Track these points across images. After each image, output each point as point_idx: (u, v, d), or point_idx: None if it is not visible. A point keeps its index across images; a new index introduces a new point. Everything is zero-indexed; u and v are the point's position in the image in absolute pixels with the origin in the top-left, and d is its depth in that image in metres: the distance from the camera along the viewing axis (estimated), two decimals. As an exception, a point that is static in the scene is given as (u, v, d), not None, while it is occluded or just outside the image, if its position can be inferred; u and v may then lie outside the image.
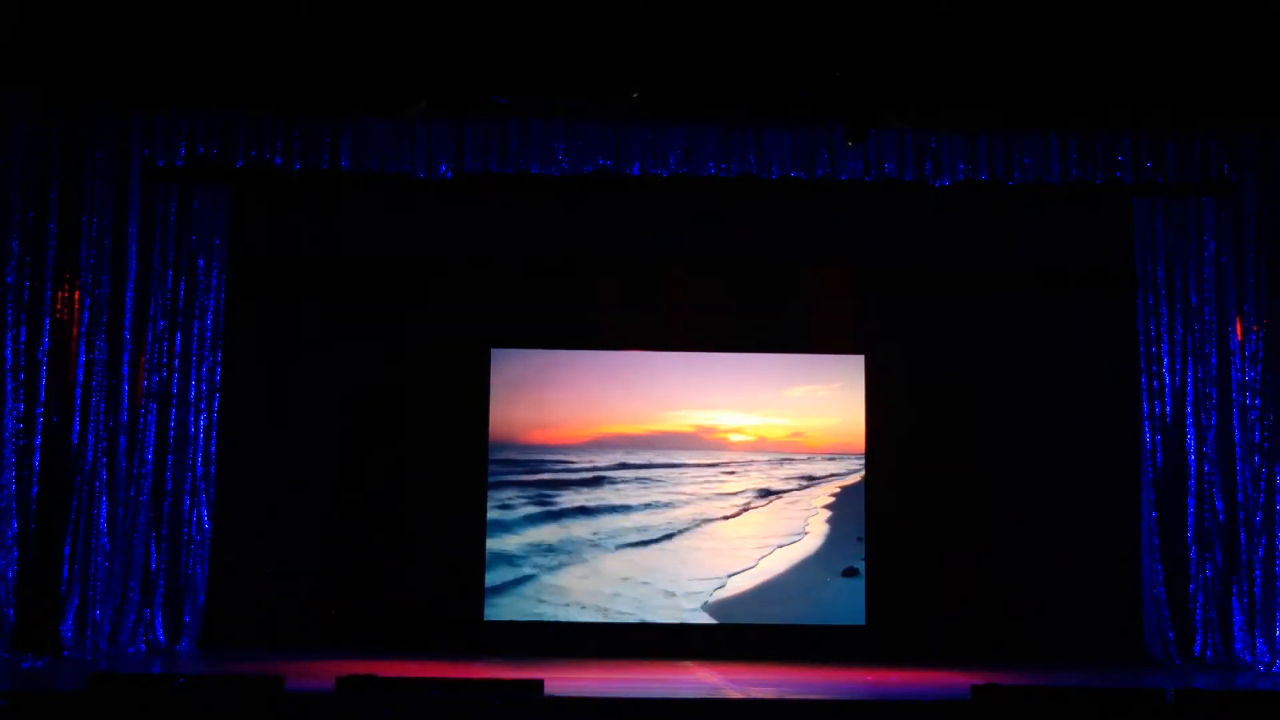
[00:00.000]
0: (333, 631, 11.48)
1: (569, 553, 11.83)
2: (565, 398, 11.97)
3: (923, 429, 11.97)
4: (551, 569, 11.78)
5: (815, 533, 11.96)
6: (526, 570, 11.77)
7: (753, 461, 12.06)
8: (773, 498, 12.03)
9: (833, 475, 12.02)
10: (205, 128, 10.85)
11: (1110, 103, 10.61)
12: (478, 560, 11.71)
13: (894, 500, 11.90)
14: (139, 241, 11.01)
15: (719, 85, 10.44)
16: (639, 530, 11.92)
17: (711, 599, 11.77)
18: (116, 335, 10.90)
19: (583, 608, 11.70)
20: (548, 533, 11.85)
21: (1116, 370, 11.70)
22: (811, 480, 12.03)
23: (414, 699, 7.11)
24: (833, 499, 12.01)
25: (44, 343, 10.70)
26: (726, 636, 11.61)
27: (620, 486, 12.01)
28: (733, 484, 12.03)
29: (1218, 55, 10.05)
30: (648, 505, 11.99)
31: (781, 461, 12.05)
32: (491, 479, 11.84)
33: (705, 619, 11.72)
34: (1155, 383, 11.43)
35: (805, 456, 12.05)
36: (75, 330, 10.79)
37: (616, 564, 11.82)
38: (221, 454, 11.31)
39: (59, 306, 10.80)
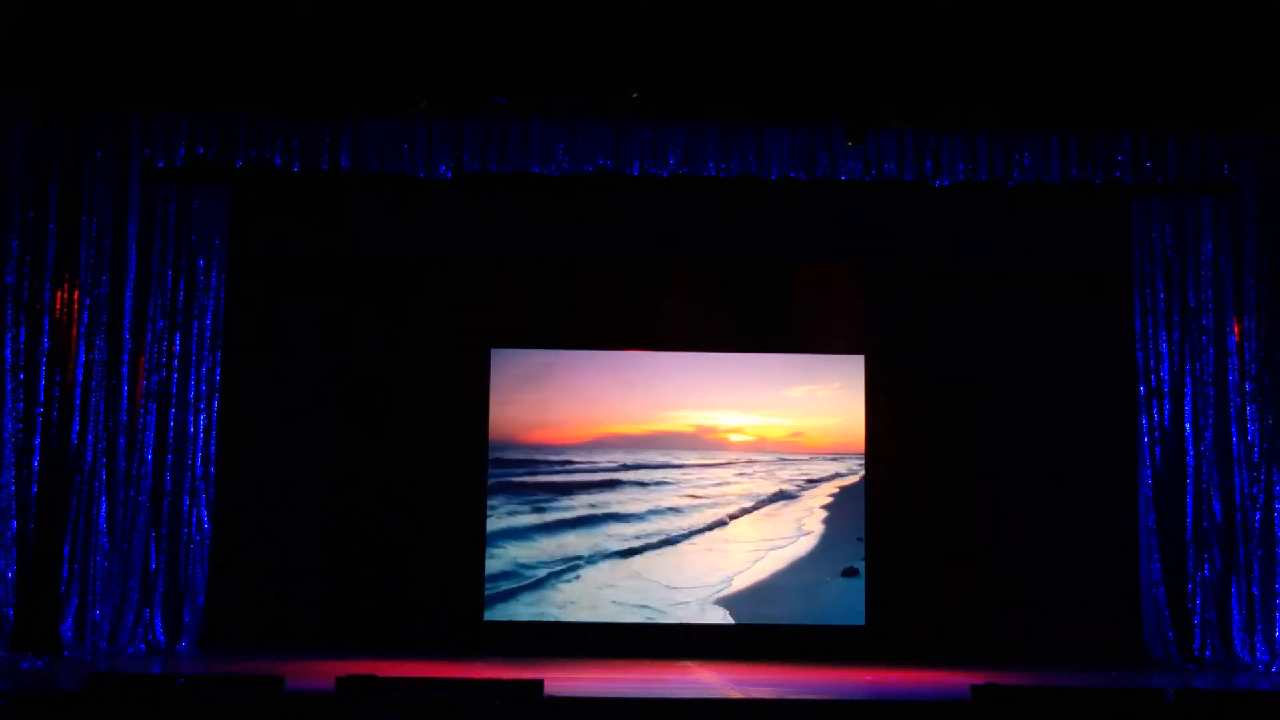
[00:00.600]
0: (333, 631, 11.48)
1: (569, 553, 11.83)
2: (565, 398, 11.97)
3: (923, 429, 11.98)
4: (551, 569, 11.78)
5: (815, 533, 11.96)
6: (526, 570, 11.76)
7: (753, 462, 12.06)
8: (773, 498, 12.03)
9: (833, 475, 12.03)
10: (205, 128, 10.86)
11: (1110, 103, 10.62)
12: (478, 560, 11.71)
13: (894, 500, 11.91)
14: (139, 241, 11.02)
15: (719, 85, 10.44)
16: (639, 531, 11.92)
17: (711, 599, 11.77)
18: (116, 335, 10.90)
19: (582, 607, 11.70)
20: (547, 533, 11.85)
21: (1115, 370, 11.69)
22: (812, 480, 12.04)
23: (414, 699, 7.11)
24: (833, 499, 12.01)
25: (44, 343, 10.71)
26: (726, 636, 11.62)
27: (620, 487, 12.01)
28: (732, 484, 12.03)
29: (1217, 55, 10.04)
30: (647, 506, 11.99)
31: (782, 461, 12.05)
32: (491, 479, 11.84)
33: (705, 619, 11.72)
34: (1154, 381, 11.42)
35: (805, 456, 12.05)
36: (75, 330, 10.79)
37: (616, 564, 11.82)
38: (221, 454, 11.30)
39: (59, 306, 10.81)
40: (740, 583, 11.82)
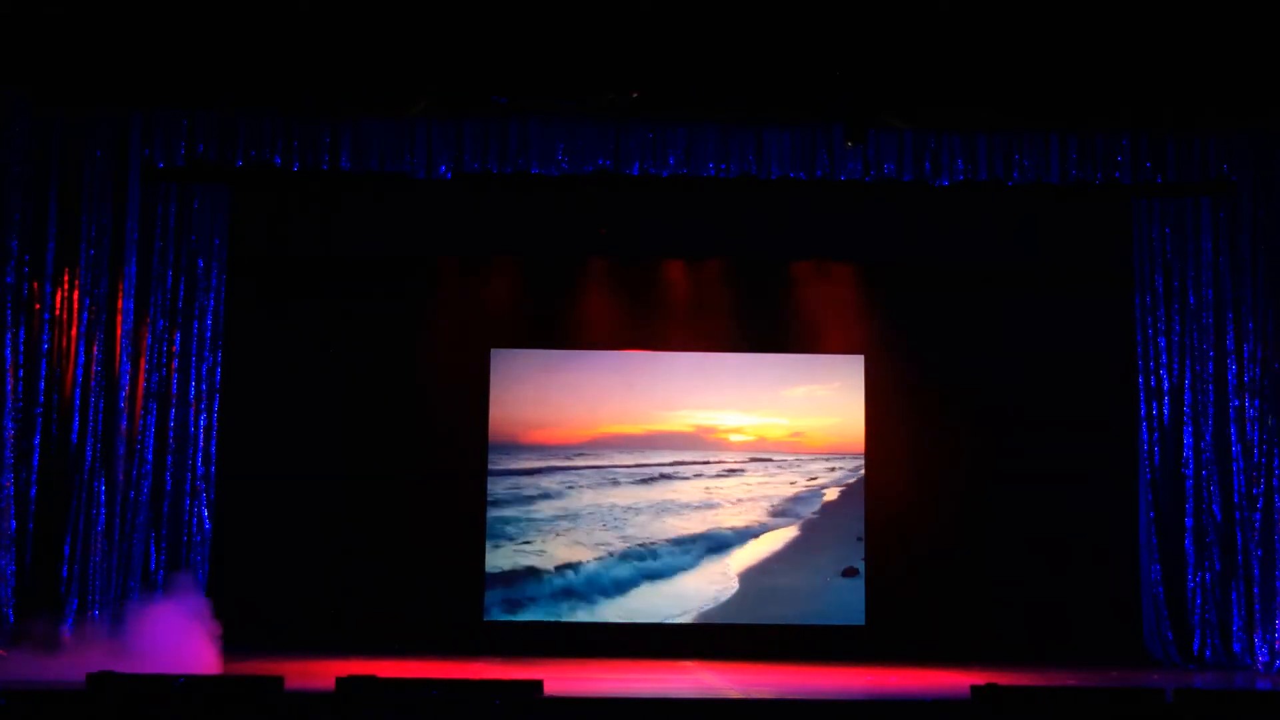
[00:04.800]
0: (333, 631, 11.46)
1: (569, 552, 11.82)
2: (565, 398, 11.97)
3: (923, 429, 11.97)
4: (551, 568, 11.78)
5: (815, 533, 11.96)
6: (526, 570, 11.76)
7: (753, 462, 12.06)
8: (772, 497, 12.03)
9: (833, 475, 12.03)
10: (205, 128, 10.87)
11: (1110, 103, 10.62)
12: (478, 560, 11.72)
13: (894, 500, 11.91)
14: (139, 241, 11.02)
15: (719, 85, 10.44)
16: (639, 530, 11.92)
17: (711, 599, 11.77)
18: (116, 335, 10.91)
19: (583, 607, 11.70)
20: (548, 532, 11.85)
21: (1115, 370, 11.71)
22: (811, 480, 12.04)
23: (414, 699, 7.11)
24: (833, 499, 12.02)
25: (44, 343, 10.72)
26: (727, 636, 11.61)
27: (620, 487, 12.01)
28: (733, 484, 12.04)
29: (1217, 56, 10.04)
30: (647, 505, 11.99)
31: (781, 461, 12.05)
32: (491, 479, 11.84)
33: (705, 619, 11.72)
34: (1154, 382, 11.44)
35: (805, 456, 12.05)
36: (75, 330, 10.80)
37: (617, 563, 11.82)
38: (221, 454, 11.30)
39: (59, 306, 10.82)
40: (741, 582, 11.82)
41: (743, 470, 12.06)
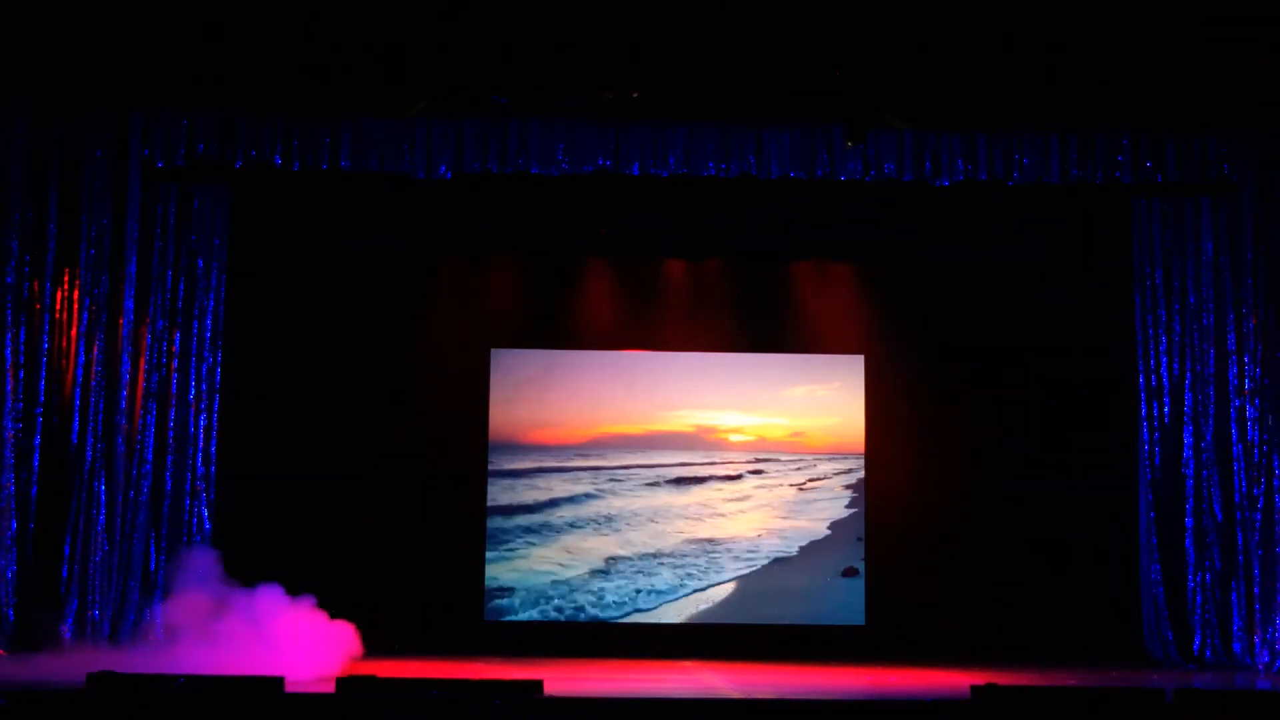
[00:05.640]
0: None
1: (569, 552, 11.83)
2: (565, 398, 11.97)
3: (923, 429, 11.97)
4: (551, 569, 11.78)
5: (815, 533, 11.96)
6: (526, 570, 11.76)
7: (753, 462, 12.06)
8: (772, 498, 12.03)
9: (833, 475, 12.03)
10: (205, 128, 10.88)
11: (1110, 103, 10.61)
12: (477, 560, 11.72)
13: (894, 500, 11.91)
14: (139, 241, 11.04)
15: (719, 85, 10.44)
16: (639, 530, 11.92)
17: (711, 599, 11.77)
18: (116, 335, 10.92)
19: (582, 607, 11.70)
20: (548, 533, 11.85)
21: (1115, 370, 11.71)
22: (812, 480, 12.04)
23: (414, 699, 7.11)
24: (833, 500, 12.01)
25: (44, 343, 10.73)
26: (727, 636, 11.61)
27: (620, 487, 12.01)
28: (732, 484, 12.03)
29: (1217, 56, 10.04)
30: (647, 505, 11.99)
31: (782, 462, 12.05)
32: (491, 479, 11.84)
33: (705, 619, 11.72)
34: (1154, 381, 11.45)
35: (805, 456, 12.05)
36: (75, 330, 10.82)
37: (617, 564, 11.82)
38: (221, 454, 11.30)
39: (59, 306, 10.83)
40: (740, 583, 11.82)
41: (745, 471, 12.05)
